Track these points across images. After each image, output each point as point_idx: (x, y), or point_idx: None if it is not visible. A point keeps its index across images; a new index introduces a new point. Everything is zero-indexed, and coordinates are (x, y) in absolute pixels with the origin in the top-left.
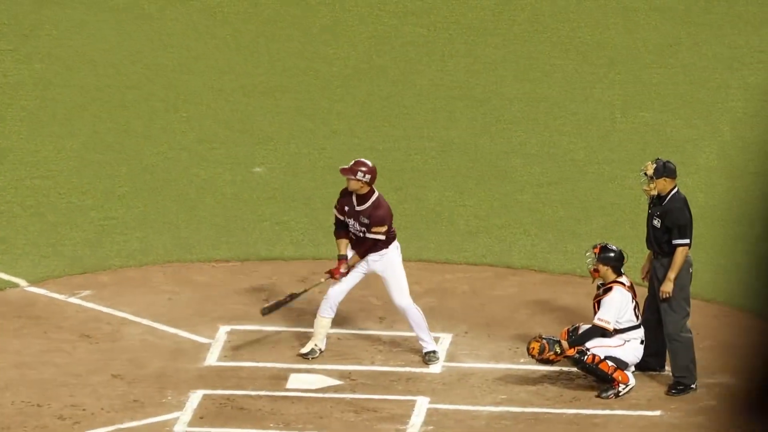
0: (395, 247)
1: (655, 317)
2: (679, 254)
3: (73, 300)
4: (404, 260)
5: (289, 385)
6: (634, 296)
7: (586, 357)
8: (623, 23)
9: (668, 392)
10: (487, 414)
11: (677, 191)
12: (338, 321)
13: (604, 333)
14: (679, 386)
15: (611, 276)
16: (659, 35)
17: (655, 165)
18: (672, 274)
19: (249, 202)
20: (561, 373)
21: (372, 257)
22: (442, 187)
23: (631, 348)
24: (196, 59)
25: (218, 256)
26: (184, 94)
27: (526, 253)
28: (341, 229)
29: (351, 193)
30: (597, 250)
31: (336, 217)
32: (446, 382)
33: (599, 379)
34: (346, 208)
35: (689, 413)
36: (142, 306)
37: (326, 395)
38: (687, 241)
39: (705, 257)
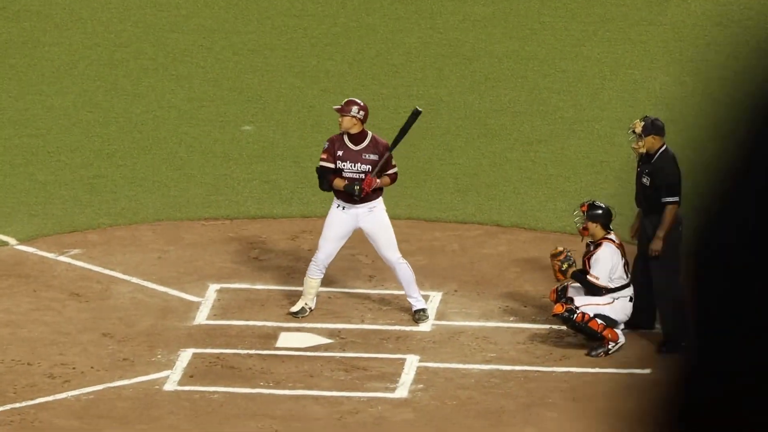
0: (381, 200)
1: (644, 275)
2: (669, 212)
3: (62, 258)
4: (394, 218)
5: (278, 344)
6: (624, 254)
7: (575, 316)
8: None
9: (659, 350)
10: (477, 372)
11: (666, 149)
12: (327, 280)
13: (596, 290)
14: (670, 344)
15: (600, 233)
16: None
17: (643, 123)
18: (661, 233)
19: (238, 161)
20: (551, 331)
21: (361, 210)
22: (431, 146)
23: (620, 305)
24: (186, 18)
25: (207, 214)
26: (173, 53)
27: (515, 211)
28: (331, 174)
29: (341, 137)
30: (585, 208)
31: (324, 166)
32: (436, 340)
33: (589, 337)
34: (340, 153)
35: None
36: (132, 265)
37: (316, 354)
38: (676, 198)
39: (693, 215)
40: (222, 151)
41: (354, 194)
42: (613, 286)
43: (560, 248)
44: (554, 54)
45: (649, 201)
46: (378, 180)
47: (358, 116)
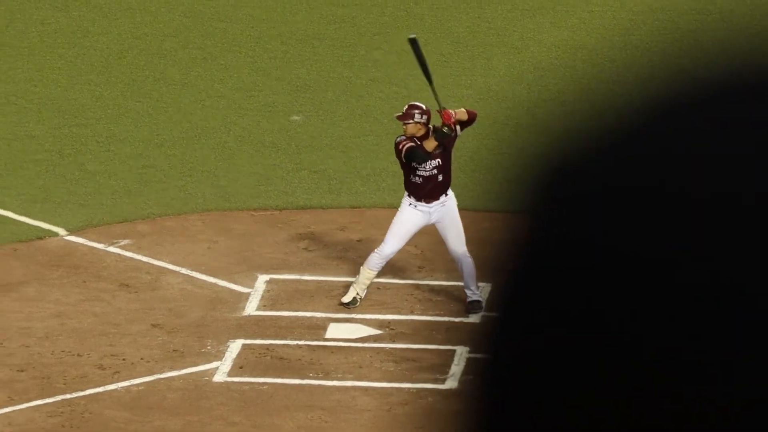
0: (452, 194)
1: None
2: None
3: (111, 249)
4: None
5: (328, 335)
6: None
7: None
8: None
9: None
10: None
11: None
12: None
13: None
14: None
15: None
16: None
17: None
18: None
19: (287, 151)
20: None
21: (434, 206)
22: (479, 136)
23: None
24: (234, 7)
25: (257, 204)
26: (221, 42)
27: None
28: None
29: (411, 138)
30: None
31: (411, 146)
32: (486, 331)
33: None
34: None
35: None
36: (181, 255)
37: (365, 345)
38: None
39: None
40: (271, 141)
41: (447, 135)
42: None
43: None
44: (603, 43)
45: None
46: (452, 111)
47: (422, 121)
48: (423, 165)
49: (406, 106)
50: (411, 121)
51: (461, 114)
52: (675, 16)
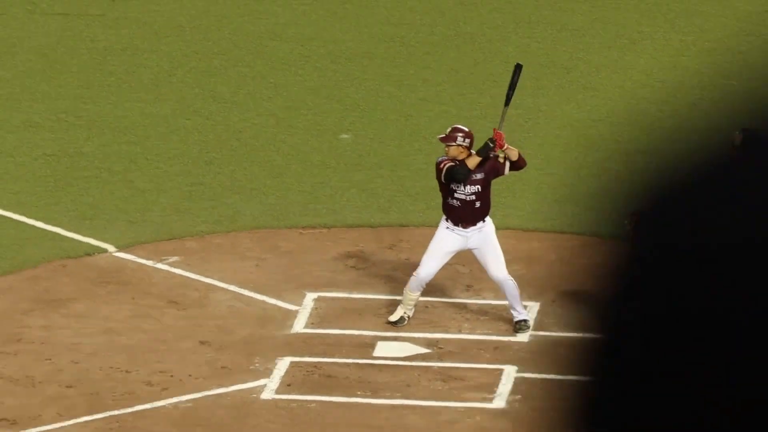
0: (490, 219)
1: None
2: None
3: (160, 266)
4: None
5: (376, 353)
6: None
7: None
8: None
9: None
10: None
11: None
12: (425, 289)
13: None
14: None
15: None
16: (749, 2)
17: (742, 135)
18: None
19: (336, 169)
20: None
21: (471, 232)
22: (528, 155)
23: None
24: (284, 25)
25: (305, 222)
26: (271, 61)
27: (613, 222)
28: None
29: (453, 160)
30: (636, 217)
31: (452, 166)
32: (534, 351)
33: None
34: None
35: None
36: (230, 272)
37: (413, 363)
38: None
39: None
40: (320, 159)
41: (490, 149)
42: None
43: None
44: (653, 64)
45: None
46: (504, 139)
47: (464, 144)
48: (463, 188)
49: (450, 129)
50: (453, 143)
51: (512, 152)
52: (725, 37)
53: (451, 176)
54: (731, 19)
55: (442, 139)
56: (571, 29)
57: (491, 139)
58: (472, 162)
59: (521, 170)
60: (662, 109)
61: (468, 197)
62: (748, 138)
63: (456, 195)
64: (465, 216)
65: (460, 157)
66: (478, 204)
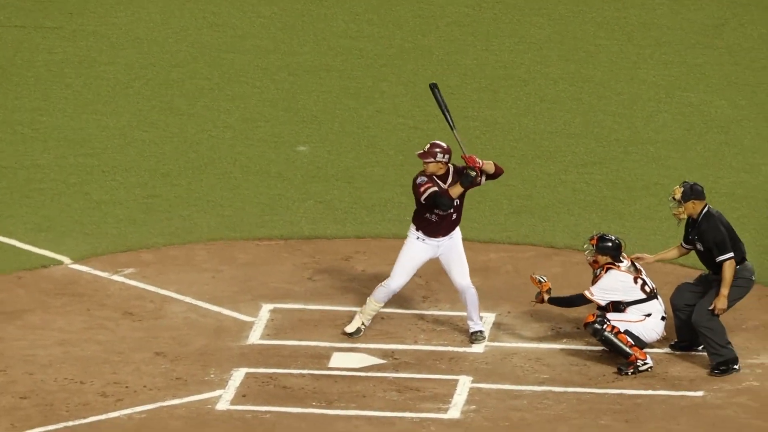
0: (459, 228)
1: (689, 300)
2: (727, 269)
3: (116, 278)
4: None
5: (331, 364)
6: (637, 275)
7: (605, 325)
8: (669, 3)
9: (711, 372)
10: (530, 393)
11: (708, 209)
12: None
13: (583, 301)
14: (722, 366)
15: (605, 261)
16: (705, 16)
17: (682, 189)
18: (725, 290)
19: (293, 181)
20: (604, 352)
21: (443, 241)
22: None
23: (652, 324)
24: (242, 38)
25: (262, 234)
26: (228, 73)
27: (569, 233)
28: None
29: (431, 176)
30: (594, 241)
31: (434, 191)
32: (489, 361)
33: (616, 351)
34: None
35: (731, 394)
36: (185, 284)
37: (369, 374)
38: (730, 255)
39: (749, 238)
40: (276, 171)
41: (473, 180)
42: (602, 303)
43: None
44: (609, 76)
45: (709, 264)
46: (478, 159)
47: (443, 160)
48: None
49: (428, 145)
50: (432, 160)
51: (488, 166)
52: (682, 50)
53: (434, 204)
54: (688, 32)
55: (421, 155)
56: (528, 42)
57: (470, 168)
58: (456, 191)
59: (498, 178)
60: (619, 121)
61: (447, 212)
62: (687, 191)
63: (436, 211)
64: (442, 229)
65: (439, 173)
66: (454, 216)
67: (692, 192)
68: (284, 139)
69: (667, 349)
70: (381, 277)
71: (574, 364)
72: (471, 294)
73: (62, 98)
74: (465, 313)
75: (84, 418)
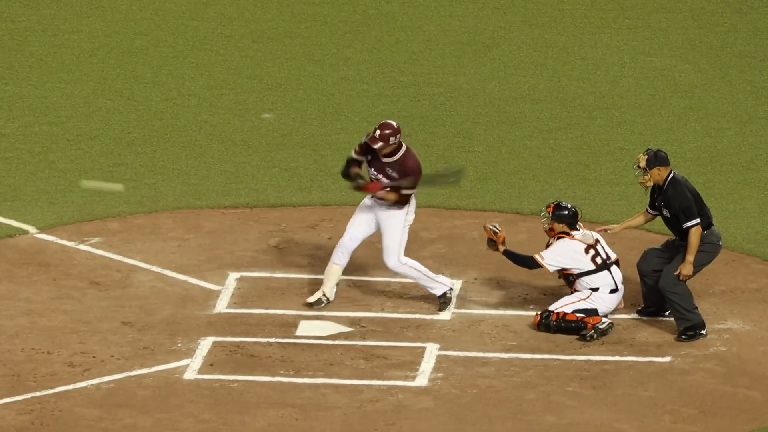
0: (406, 211)
1: (655, 266)
2: (693, 235)
3: (82, 247)
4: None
5: (298, 332)
6: (591, 245)
7: (550, 317)
8: None
9: (678, 338)
10: (497, 360)
11: (673, 176)
12: (348, 269)
13: (533, 265)
14: (689, 332)
15: (560, 228)
16: None
17: (646, 156)
18: (690, 256)
19: (258, 149)
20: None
21: (371, 201)
22: (450, 134)
23: (598, 298)
24: (205, 5)
25: (227, 202)
26: (192, 41)
27: (535, 199)
28: (354, 164)
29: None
30: (551, 209)
31: (353, 157)
32: (456, 328)
33: (572, 332)
34: (370, 157)
35: (699, 359)
36: (152, 253)
37: (336, 342)
38: (696, 221)
39: (714, 203)
40: (241, 139)
41: (352, 186)
42: (553, 269)
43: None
44: (573, 41)
45: (675, 229)
46: (382, 191)
47: (396, 142)
48: (375, 173)
49: (377, 128)
50: (387, 144)
51: (387, 196)
52: (645, 14)
53: (346, 160)
54: None
55: (372, 141)
56: (492, 7)
57: (362, 183)
58: (352, 171)
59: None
60: (583, 86)
61: (374, 177)
62: (651, 158)
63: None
64: (369, 186)
65: (385, 152)
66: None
67: (656, 159)
68: (249, 107)
69: (634, 315)
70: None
71: (541, 331)
72: (404, 271)
73: (26, 66)
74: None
75: (51, 388)
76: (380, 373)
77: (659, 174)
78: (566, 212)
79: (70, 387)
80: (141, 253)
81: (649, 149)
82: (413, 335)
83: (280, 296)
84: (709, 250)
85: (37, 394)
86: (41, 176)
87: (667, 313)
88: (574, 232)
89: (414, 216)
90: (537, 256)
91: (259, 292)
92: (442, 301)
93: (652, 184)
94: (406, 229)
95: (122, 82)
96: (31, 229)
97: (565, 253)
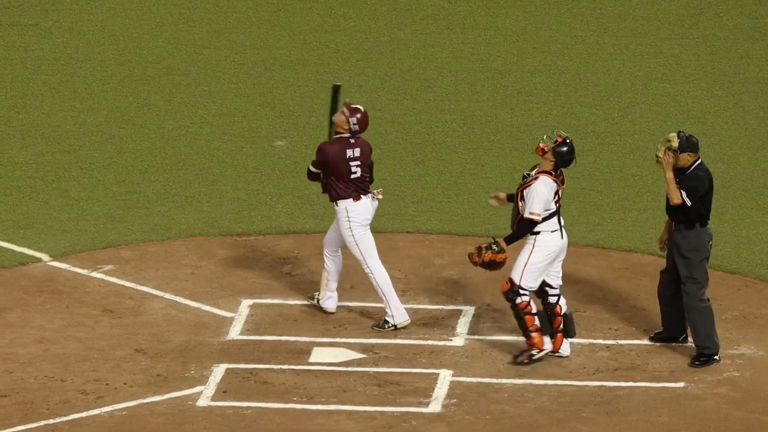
0: (345, 209)
1: (670, 288)
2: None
3: (95, 274)
4: (427, 233)
5: (311, 359)
6: (560, 187)
7: (519, 300)
8: None
9: (691, 364)
10: (510, 387)
11: (700, 163)
12: (361, 295)
13: (533, 224)
14: (702, 357)
15: (547, 167)
16: (680, 6)
17: (679, 139)
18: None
19: (270, 176)
20: (583, 346)
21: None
22: (463, 160)
23: (542, 241)
24: (218, 33)
25: (240, 229)
26: (205, 68)
27: None
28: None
29: (346, 140)
30: (560, 139)
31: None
32: (469, 354)
33: (520, 327)
34: (348, 153)
35: (712, 384)
36: (165, 280)
37: (349, 369)
38: (690, 204)
39: (727, 229)
40: (254, 166)
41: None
42: (538, 218)
43: (472, 252)
44: (586, 68)
45: (680, 213)
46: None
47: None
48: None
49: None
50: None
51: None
52: (658, 40)
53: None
54: (663, 22)
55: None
56: (505, 34)
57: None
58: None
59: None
60: (595, 113)
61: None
62: (683, 143)
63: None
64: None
65: (344, 127)
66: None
67: (688, 144)
68: (261, 134)
69: (646, 341)
70: (360, 270)
71: (554, 356)
72: (371, 279)
73: (39, 95)
74: (444, 307)
75: (65, 416)
76: (393, 399)
77: (687, 159)
78: (565, 149)
79: (84, 414)
80: (154, 280)
81: (681, 132)
82: (426, 361)
83: (293, 323)
84: (702, 249)
85: (51, 421)
86: (54, 204)
87: (681, 338)
88: (553, 173)
89: (365, 217)
90: (529, 216)
91: (272, 319)
92: (383, 324)
93: (672, 163)
94: (359, 234)
95: (135, 110)
96: (44, 257)
97: (546, 195)
